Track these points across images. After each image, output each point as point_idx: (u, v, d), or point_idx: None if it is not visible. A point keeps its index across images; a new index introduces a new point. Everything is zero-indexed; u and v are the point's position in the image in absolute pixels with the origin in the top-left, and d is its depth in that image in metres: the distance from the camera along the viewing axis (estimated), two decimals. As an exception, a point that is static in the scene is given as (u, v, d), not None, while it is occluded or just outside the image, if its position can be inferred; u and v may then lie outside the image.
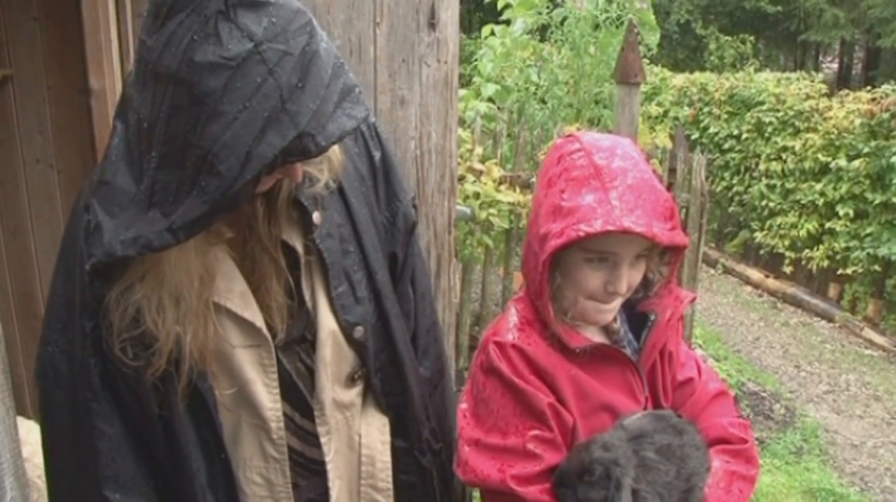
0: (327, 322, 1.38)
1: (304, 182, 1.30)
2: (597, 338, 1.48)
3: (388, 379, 1.50)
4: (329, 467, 1.43)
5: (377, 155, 1.49)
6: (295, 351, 1.39)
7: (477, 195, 4.42)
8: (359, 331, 1.41)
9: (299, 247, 1.35)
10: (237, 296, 1.31)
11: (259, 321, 1.32)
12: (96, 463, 1.28)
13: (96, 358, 1.26)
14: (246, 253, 1.33)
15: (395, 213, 1.52)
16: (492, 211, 4.48)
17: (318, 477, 1.44)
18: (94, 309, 1.24)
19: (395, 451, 1.53)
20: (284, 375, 1.38)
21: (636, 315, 1.53)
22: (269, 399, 1.36)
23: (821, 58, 20.74)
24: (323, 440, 1.42)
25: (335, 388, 1.42)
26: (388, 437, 1.51)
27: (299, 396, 1.40)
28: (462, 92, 6.04)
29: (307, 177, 1.30)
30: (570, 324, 1.43)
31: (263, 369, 1.35)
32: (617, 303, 1.43)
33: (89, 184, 1.29)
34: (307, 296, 1.38)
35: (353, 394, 1.47)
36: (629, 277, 1.39)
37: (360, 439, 1.48)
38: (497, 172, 4.64)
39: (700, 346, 6.18)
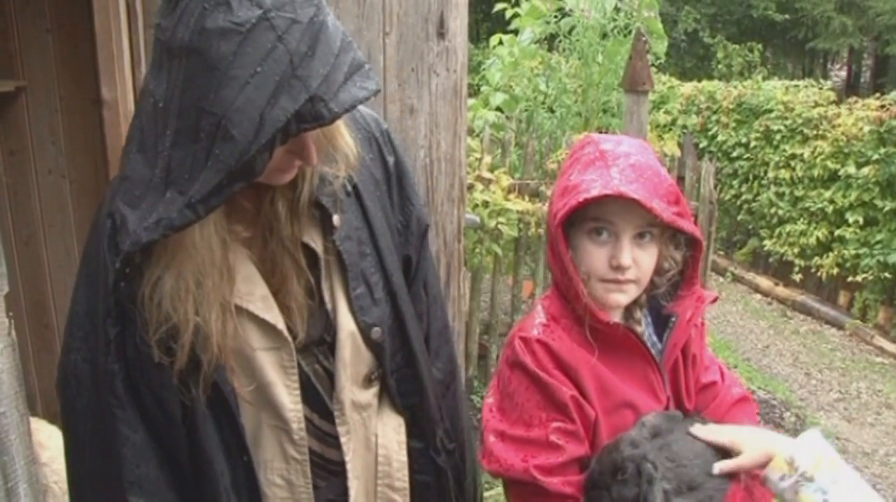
0: (346, 323, 1.40)
1: (322, 183, 1.33)
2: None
3: (403, 379, 1.51)
4: (348, 467, 1.44)
5: (391, 160, 1.51)
6: (313, 353, 1.41)
7: (486, 204, 4.42)
8: (376, 333, 1.43)
9: (319, 248, 1.37)
10: (259, 299, 1.32)
11: (280, 323, 1.34)
12: (120, 470, 1.29)
13: (120, 363, 1.27)
14: (266, 254, 1.34)
15: (409, 217, 1.54)
16: (501, 219, 4.48)
17: (337, 478, 1.45)
18: (118, 315, 1.25)
19: (411, 451, 1.55)
20: (303, 377, 1.39)
21: (662, 319, 1.54)
22: (290, 400, 1.37)
23: (829, 65, 20.74)
24: (343, 440, 1.43)
25: (353, 389, 1.44)
26: (403, 437, 1.53)
27: (318, 398, 1.42)
28: (471, 101, 6.05)
29: (324, 178, 1.33)
30: (597, 302, 1.45)
31: (284, 371, 1.36)
32: (630, 287, 1.44)
33: (111, 189, 1.30)
34: (327, 297, 1.39)
35: (370, 395, 1.48)
36: (635, 254, 1.40)
37: (377, 439, 1.50)
38: (506, 181, 4.65)
39: (710, 354, 6.16)
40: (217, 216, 1.20)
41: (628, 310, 1.51)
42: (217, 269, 1.25)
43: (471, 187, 4.33)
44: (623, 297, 1.45)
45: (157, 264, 1.21)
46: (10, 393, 1.32)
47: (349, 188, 1.38)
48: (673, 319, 1.51)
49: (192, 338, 1.24)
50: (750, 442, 1.35)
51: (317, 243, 1.37)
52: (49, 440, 2.13)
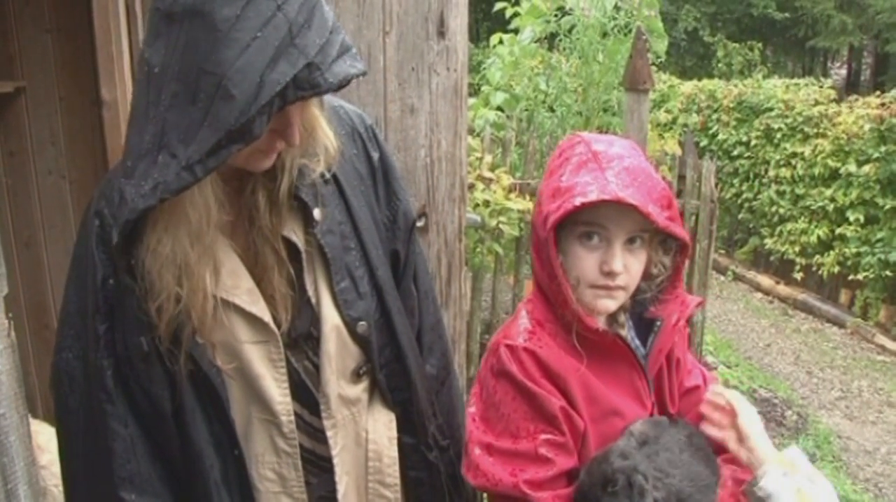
0: (331, 316, 1.40)
1: (302, 175, 1.34)
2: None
3: (392, 374, 1.51)
4: (336, 462, 1.44)
5: (375, 156, 1.51)
6: (302, 348, 1.41)
7: (487, 203, 4.42)
8: (362, 326, 1.43)
9: (300, 242, 1.37)
10: (245, 293, 1.33)
11: (267, 316, 1.34)
12: (112, 465, 1.30)
13: (110, 359, 1.29)
14: (248, 243, 1.35)
15: (396, 212, 1.54)
16: (501, 219, 4.48)
17: (329, 474, 1.45)
18: (106, 311, 1.28)
19: (403, 447, 1.54)
20: (293, 373, 1.40)
21: (644, 323, 1.53)
22: (278, 393, 1.38)
23: (829, 63, 20.72)
24: (329, 434, 1.43)
25: (341, 383, 1.44)
26: (394, 433, 1.52)
27: (308, 394, 1.42)
28: (471, 101, 6.05)
29: (304, 172, 1.34)
30: (585, 308, 1.43)
31: (272, 364, 1.37)
32: (619, 293, 1.42)
33: (98, 188, 1.32)
34: (310, 291, 1.39)
35: (359, 390, 1.48)
36: (625, 260, 1.38)
37: (367, 435, 1.49)
38: (507, 180, 4.64)
39: (711, 353, 6.16)
40: (213, 177, 1.21)
41: (612, 315, 1.49)
42: (213, 229, 1.26)
43: (472, 186, 4.33)
44: (612, 303, 1.43)
45: (155, 230, 1.22)
46: (10, 395, 1.31)
47: (328, 177, 1.39)
48: (658, 324, 1.49)
49: (174, 308, 1.25)
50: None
51: (298, 236, 1.37)
52: (49, 443, 2.11)
